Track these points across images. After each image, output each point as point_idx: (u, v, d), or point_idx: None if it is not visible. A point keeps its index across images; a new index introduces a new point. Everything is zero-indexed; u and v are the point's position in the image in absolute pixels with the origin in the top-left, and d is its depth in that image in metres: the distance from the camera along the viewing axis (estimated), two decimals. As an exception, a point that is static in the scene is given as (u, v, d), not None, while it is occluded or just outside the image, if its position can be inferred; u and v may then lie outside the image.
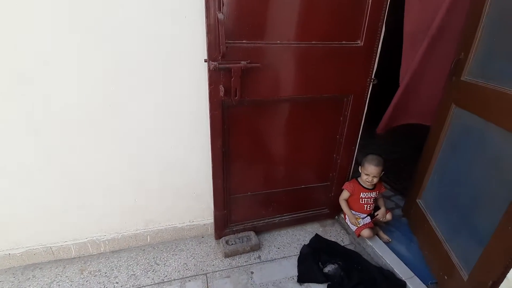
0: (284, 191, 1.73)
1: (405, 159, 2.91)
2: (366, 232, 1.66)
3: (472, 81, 1.34)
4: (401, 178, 2.53)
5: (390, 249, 1.69)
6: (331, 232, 1.87)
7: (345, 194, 1.79)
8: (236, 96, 1.32)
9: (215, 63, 1.23)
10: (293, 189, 1.75)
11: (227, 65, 1.25)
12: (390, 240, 1.76)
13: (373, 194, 1.75)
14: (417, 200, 1.75)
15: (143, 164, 1.52)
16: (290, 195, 1.76)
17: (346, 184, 1.78)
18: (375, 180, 1.67)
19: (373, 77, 1.56)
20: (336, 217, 1.98)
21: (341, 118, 1.59)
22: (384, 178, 2.63)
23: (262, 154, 1.57)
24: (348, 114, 1.57)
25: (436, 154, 1.59)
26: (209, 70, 1.27)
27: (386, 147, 3.24)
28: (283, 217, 1.83)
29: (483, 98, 1.24)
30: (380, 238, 1.79)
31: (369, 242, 1.69)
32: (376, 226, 1.83)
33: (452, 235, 1.38)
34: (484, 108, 1.23)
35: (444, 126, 1.52)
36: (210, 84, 1.30)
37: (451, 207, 1.43)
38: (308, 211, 1.88)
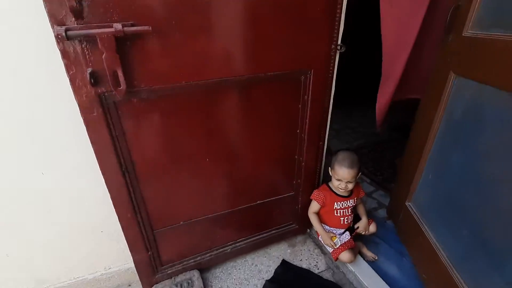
0: (233, 212, 1.26)
1: (386, 143, 2.55)
2: (345, 256, 1.24)
3: (481, 35, 0.90)
4: (382, 168, 2.15)
5: (377, 270, 1.30)
6: (302, 253, 1.45)
7: (314, 206, 1.35)
8: (120, 86, 0.80)
9: (62, 28, 0.68)
10: (246, 208, 1.28)
11: (87, 31, 0.71)
12: (376, 258, 1.37)
13: (351, 203, 1.33)
14: (407, 203, 1.36)
15: (9, 202, 0.97)
16: (244, 215, 1.29)
17: (315, 192, 1.34)
18: (350, 186, 1.24)
19: (339, 43, 1.09)
20: (308, 230, 1.56)
21: (300, 105, 1.12)
22: (361, 169, 2.28)
23: (192, 168, 1.07)
24: (309, 99, 1.10)
25: (430, 143, 1.17)
26: (58, 43, 0.72)
27: (362, 129, 2.86)
28: (238, 244, 1.36)
29: (502, 58, 0.80)
30: (363, 256, 1.38)
31: (351, 267, 1.28)
32: (358, 241, 1.42)
33: (462, 260, 0.99)
34: (503, 74, 0.80)
35: (439, 106, 1.10)
36: (68, 69, 0.76)
37: (457, 217, 1.03)
38: (271, 231, 1.43)
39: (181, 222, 1.16)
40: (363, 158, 2.29)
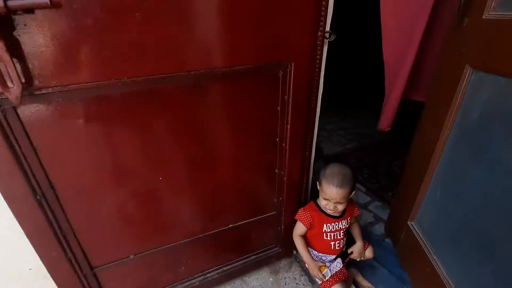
0: (201, 239, 1.02)
1: (382, 145, 2.34)
2: (337, 291, 1.02)
3: (509, 16, 0.69)
4: (378, 174, 1.94)
5: (376, 304, 1.09)
6: (287, 282, 1.22)
7: (299, 228, 1.12)
8: (13, 84, 0.55)
9: None
10: (217, 233, 1.04)
11: None
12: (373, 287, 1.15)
13: (343, 224, 1.11)
14: (410, 223, 1.15)
15: None
16: (214, 241, 1.06)
17: (300, 212, 1.11)
18: (340, 207, 1.02)
19: (327, 29, 0.86)
20: (295, 252, 1.33)
21: (279, 107, 0.89)
22: (355, 186, 2.03)
23: (140, 188, 0.83)
24: (290, 99, 0.87)
25: (438, 153, 0.96)
26: None
27: (356, 131, 2.65)
28: (208, 275, 1.13)
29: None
30: (360, 286, 1.17)
31: (343, 303, 1.06)
32: (351, 267, 1.20)
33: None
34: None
35: (450, 108, 0.88)
36: None
37: (477, 249, 0.81)
38: (250, 256, 1.20)
39: (132, 256, 0.92)
40: (357, 163, 2.08)
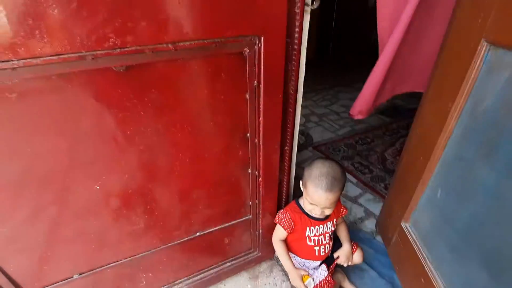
0: (161, 251, 0.87)
1: (375, 130, 2.19)
2: (320, 303, 0.91)
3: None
4: (370, 163, 1.81)
5: (364, 313, 0.98)
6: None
7: (279, 233, 0.99)
8: None
9: None
10: (182, 243, 0.89)
11: None
12: (359, 293, 1.05)
13: (329, 227, 0.97)
14: (403, 224, 1.02)
15: None
16: (179, 251, 0.91)
17: (280, 215, 0.97)
18: (328, 212, 0.87)
19: (309, -8, 0.67)
20: (276, 255, 1.21)
21: (247, 95, 0.71)
22: (347, 165, 1.91)
23: (75, 197, 0.66)
24: (261, 85, 0.69)
25: (441, 146, 0.80)
26: None
27: (346, 115, 2.49)
28: (180, 284, 1.00)
29: None
30: (345, 293, 1.06)
31: (328, 315, 0.95)
32: (337, 272, 1.09)
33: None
34: None
35: (459, 93, 0.72)
36: None
37: (487, 265, 0.68)
38: (225, 263, 1.07)
39: (75, 276, 0.77)
40: (349, 151, 1.94)
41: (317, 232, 0.95)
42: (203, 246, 0.96)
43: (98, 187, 0.66)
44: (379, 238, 1.27)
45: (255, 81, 0.68)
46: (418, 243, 0.93)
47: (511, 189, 0.60)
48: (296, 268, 0.97)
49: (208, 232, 0.93)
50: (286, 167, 0.94)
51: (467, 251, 0.73)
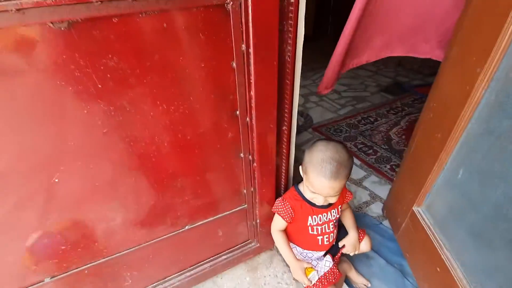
0: (147, 247, 0.78)
1: (378, 110, 2.06)
2: (325, 298, 0.82)
3: None
4: (375, 143, 1.70)
5: (372, 305, 0.90)
6: (267, 282, 1.02)
7: (278, 223, 0.89)
8: None
9: None
10: (169, 238, 0.80)
11: None
12: (368, 285, 0.97)
13: (334, 214, 0.87)
14: (416, 208, 0.92)
15: None
16: (167, 247, 0.82)
17: (278, 203, 0.87)
18: (332, 200, 0.77)
19: None
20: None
21: (234, 63, 0.58)
22: (349, 146, 1.83)
23: (33, 189, 0.56)
24: (251, 49, 0.56)
25: (466, 119, 0.69)
26: None
27: (351, 93, 2.35)
28: (168, 283, 0.91)
29: None
30: (353, 283, 0.98)
31: (333, 309, 0.87)
32: (343, 263, 1.00)
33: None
34: None
35: (491, 55, 0.59)
36: None
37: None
38: (220, 256, 0.98)
39: (47, 280, 0.68)
40: (351, 131, 1.82)
41: (320, 220, 0.86)
42: (194, 240, 0.87)
43: (56, 180, 0.55)
44: (386, 223, 1.19)
45: (243, 45, 0.55)
46: (433, 229, 0.83)
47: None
48: (298, 260, 0.88)
49: (199, 225, 0.83)
50: (284, 150, 0.82)
51: (495, 238, 0.64)
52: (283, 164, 0.86)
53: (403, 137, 1.73)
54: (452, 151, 0.74)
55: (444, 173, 0.79)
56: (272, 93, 0.64)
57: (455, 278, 0.73)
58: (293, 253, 0.89)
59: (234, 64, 0.57)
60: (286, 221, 0.85)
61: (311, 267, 0.86)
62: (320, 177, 0.70)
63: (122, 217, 0.68)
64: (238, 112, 0.65)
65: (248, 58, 0.57)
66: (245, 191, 0.84)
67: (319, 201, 0.76)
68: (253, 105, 0.64)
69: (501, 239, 0.62)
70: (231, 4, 0.50)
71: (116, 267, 0.76)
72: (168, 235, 0.79)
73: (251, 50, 0.55)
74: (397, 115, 1.98)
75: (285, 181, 0.92)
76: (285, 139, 0.80)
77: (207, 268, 0.96)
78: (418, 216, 0.90)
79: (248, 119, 0.67)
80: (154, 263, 0.84)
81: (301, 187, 0.85)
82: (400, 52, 1.06)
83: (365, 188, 1.39)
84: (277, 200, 0.88)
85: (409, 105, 2.10)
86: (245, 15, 0.51)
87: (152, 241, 0.78)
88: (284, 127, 0.77)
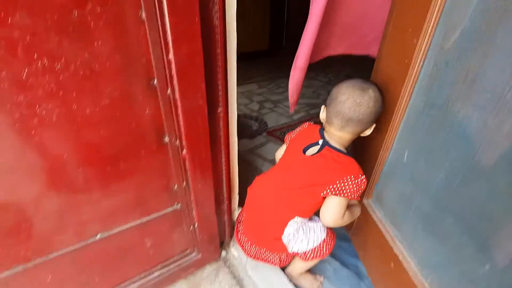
0: (43, 265, 0.59)
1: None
2: None
3: None
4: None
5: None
6: (211, 299, 0.87)
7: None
8: None
9: None
10: (74, 251, 0.61)
11: None
12: (321, 280, 0.88)
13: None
14: (365, 201, 0.87)
15: None
16: (74, 263, 0.63)
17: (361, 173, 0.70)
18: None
19: None
20: (224, 254, 0.98)
21: (142, 12, 0.47)
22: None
23: None
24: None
25: (406, 97, 0.66)
26: None
27: (304, 100, 2.37)
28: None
29: None
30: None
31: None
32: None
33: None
34: None
35: (425, 26, 0.57)
36: None
37: (469, 239, 0.54)
38: (150, 274, 0.80)
39: None
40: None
41: None
42: (112, 253, 0.69)
43: None
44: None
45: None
46: (383, 222, 0.78)
47: (498, 127, 0.46)
48: None
49: (117, 233, 0.66)
50: (222, 137, 0.71)
51: (444, 223, 0.59)
52: (223, 154, 0.74)
53: (354, 139, 1.75)
54: (397, 133, 0.71)
55: (390, 158, 0.75)
56: (196, 60, 0.54)
57: (410, 273, 0.66)
58: None
59: (144, 14, 0.46)
60: None
61: None
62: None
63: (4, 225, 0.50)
64: (155, 82, 0.53)
65: (161, 7, 0.46)
66: (176, 186, 0.70)
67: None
68: (173, 73, 0.53)
69: (451, 223, 0.57)
70: None
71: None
72: (72, 248, 0.61)
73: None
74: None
75: (227, 177, 0.80)
76: (222, 124, 0.70)
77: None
78: (369, 209, 0.85)
79: (170, 91, 0.55)
80: (53, 286, 0.64)
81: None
82: (341, 50, 1.07)
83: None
84: (363, 180, 0.67)
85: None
86: None
87: (47, 257, 0.59)
88: (220, 109, 0.67)
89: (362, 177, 0.66)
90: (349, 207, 0.73)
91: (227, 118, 0.71)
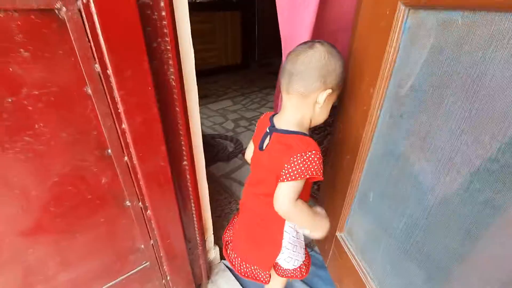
0: None
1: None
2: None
3: None
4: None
5: None
6: None
7: (299, 188, 0.58)
8: None
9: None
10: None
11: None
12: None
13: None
14: (339, 234, 0.88)
15: None
16: None
17: (316, 159, 0.57)
18: None
19: None
20: (201, 297, 0.94)
21: (88, 88, 0.44)
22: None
23: None
24: (110, 70, 0.43)
25: (367, 142, 0.68)
26: None
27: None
28: None
29: None
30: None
31: None
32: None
33: None
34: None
35: (379, 75, 0.60)
36: None
37: (434, 280, 0.56)
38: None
39: None
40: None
41: None
42: None
43: None
44: (317, 251, 1.13)
45: (95, 64, 0.42)
46: (356, 256, 0.79)
47: (449, 185, 0.48)
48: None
49: None
50: (190, 187, 0.69)
51: (408, 261, 0.61)
52: (193, 204, 0.72)
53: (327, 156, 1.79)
54: (362, 174, 0.73)
55: (358, 196, 0.77)
56: (154, 126, 0.52)
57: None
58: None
59: (89, 90, 0.43)
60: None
61: None
62: None
63: None
64: (109, 151, 0.50)
65: (109, 82, 0.44)
66: (142, 246, 0.66)
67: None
68: (129, 141, 0.50)
69: (414, 262, 0.59)
70: (64, 10, 0.37)
71: None
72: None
73: (110, 72, 0.43)
74: (320, 135, 2.07)
75: (199, 224, 0.78)
76: (189, 176, 0.67)
77: None
78: (342, 242, 0.86)
79: (127, 159, 0.52)
80: None
81: (302, 129, 0.61)
82: None
83: (296, 213, 1.33)
84: (315, 150, 0.57)
85: (331, 125, 2.24)
86: (90, 26, 0.39)
87: None
88: (185, 162, 0.65)
89: (310, 152, 0.55)
90: (314, 212, 0.64)
91: (193, 168, 0.68)
